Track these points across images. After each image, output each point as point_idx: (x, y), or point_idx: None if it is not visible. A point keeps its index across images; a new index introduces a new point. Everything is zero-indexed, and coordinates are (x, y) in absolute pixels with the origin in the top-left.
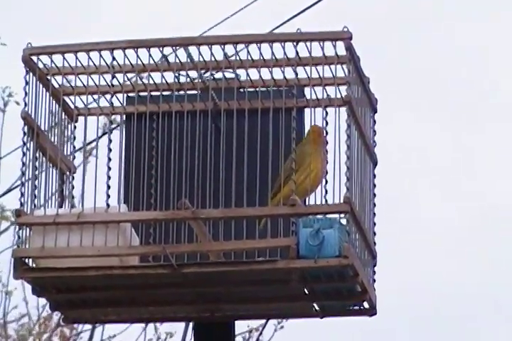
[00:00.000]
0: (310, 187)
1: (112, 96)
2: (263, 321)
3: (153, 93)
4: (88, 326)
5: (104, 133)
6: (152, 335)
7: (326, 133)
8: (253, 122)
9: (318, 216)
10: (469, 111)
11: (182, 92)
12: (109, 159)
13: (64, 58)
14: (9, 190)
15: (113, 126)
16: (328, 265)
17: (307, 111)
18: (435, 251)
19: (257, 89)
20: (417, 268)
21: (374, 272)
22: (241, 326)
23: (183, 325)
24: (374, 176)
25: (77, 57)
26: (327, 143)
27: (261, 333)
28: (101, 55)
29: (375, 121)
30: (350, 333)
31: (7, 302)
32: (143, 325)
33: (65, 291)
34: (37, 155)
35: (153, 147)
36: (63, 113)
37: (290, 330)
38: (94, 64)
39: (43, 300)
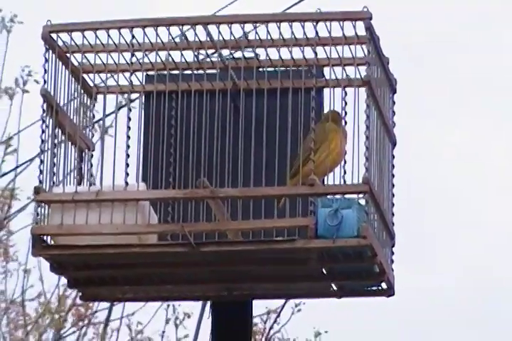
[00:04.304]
0: (330, 167)
1: (131, 75)
2: (281, 303)
3: (172, 72)
4: (104, 305)
5: (120, 107)
6: (170, 315)
7: (345, 113)
8: (272, 102)
9: (337, 196)
10: None
11: (201, 71)
12: (128, 137)
13: (83, 36)
14: (16, 167)
15: (127, 102)
16: (346, 245)
17: (326, 91)
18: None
19: (276, 69)
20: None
21: (392, 253)
22: (259, 307)
23: (200, 305)
24: (393, 157)
25: (96, 35)
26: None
27: (279, 315)
28: (120, 33)
29: (394, 102)
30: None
31: (25, 280)
32: (161, 303)
33: (83, 269)
34: (56, 132)
35: (172, 126)
36: (82, 91)
37: (307, 313)
38: (114, 42)
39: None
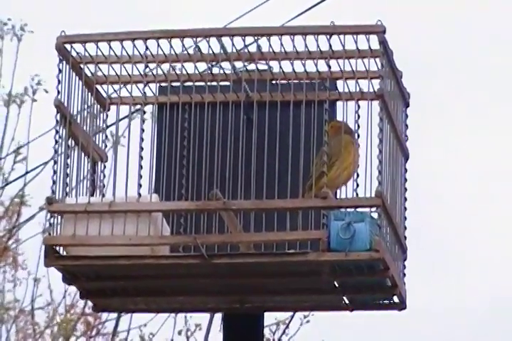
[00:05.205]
0: (344, 181)
1: (144, 86)
2: (290, 314)
3: (185, 83)
4: (113, 315)
5: (134, 112)
6: (182, 326)
7: (358, 126)
8: (285, 114)
9: (349, 209)
10: None
11: (214, 83)
12: (141, 148)
13: (97, 47)
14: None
15: (141, 114)
16: (358, 258)
17: (339, 104)
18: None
19: (290, 82)
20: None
21: (404, 266)
22: (268, 318)
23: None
24: (405, 170)
25: (110, 46)
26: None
27: (287, 326)
28: (134, 45)
29: (407, 115)
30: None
31: (35, 289)
32: (173, 315)
33: (96, 280)
34: (69, 143)
35: (185, 137)
36: (96, 102)
37: (316, 324)
38: (128, 53)
39: (67, 288)
